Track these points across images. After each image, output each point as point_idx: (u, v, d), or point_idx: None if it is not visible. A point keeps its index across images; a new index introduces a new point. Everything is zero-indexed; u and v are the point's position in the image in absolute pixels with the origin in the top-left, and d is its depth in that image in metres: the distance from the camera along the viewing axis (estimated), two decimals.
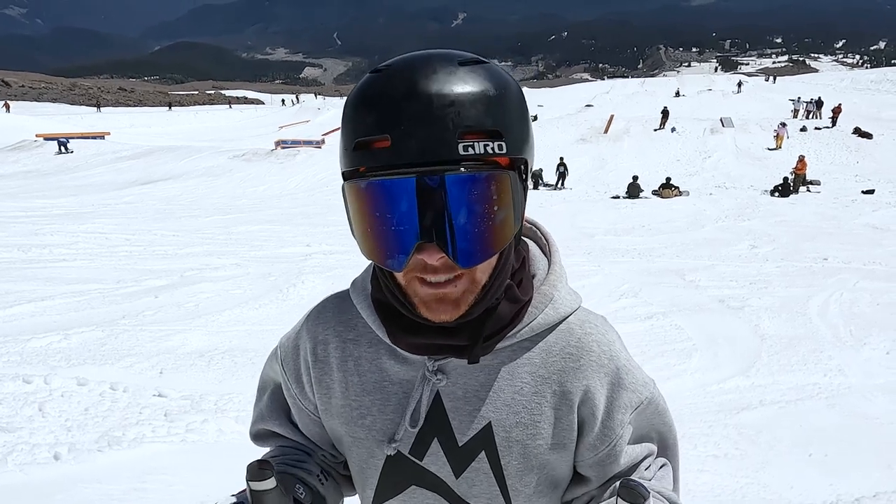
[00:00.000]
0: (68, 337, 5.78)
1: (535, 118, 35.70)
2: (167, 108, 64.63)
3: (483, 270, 0.81)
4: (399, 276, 0.81)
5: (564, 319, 0.93)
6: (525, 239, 0.97)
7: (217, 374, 5.17)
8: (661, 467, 0.99)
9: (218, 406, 4.51)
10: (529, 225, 1.00)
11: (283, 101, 78.03)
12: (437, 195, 0.73)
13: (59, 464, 3.66)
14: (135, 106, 70.97)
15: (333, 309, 1.00)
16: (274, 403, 1.06)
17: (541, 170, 23.47)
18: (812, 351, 5.92)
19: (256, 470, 0.80)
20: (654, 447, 0.99)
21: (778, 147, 25.47)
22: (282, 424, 1.05)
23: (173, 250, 10.31)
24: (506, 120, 0.76)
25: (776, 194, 19.45)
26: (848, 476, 3.77)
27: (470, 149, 0.73)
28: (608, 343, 0.94)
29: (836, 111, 29.77)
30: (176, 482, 3.50)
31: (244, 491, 0.84)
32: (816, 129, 29.40)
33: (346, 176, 0.80)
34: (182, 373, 5.18)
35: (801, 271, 9.27)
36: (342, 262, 9.55)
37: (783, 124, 26.98)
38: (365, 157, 0.76)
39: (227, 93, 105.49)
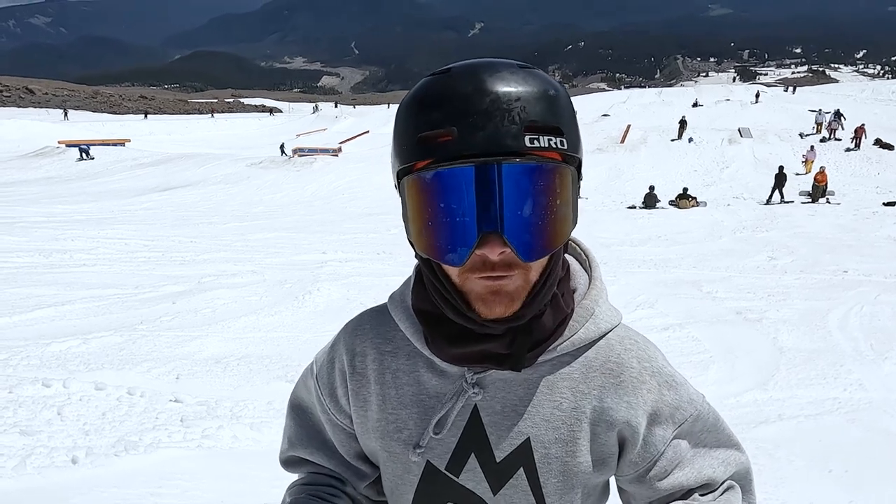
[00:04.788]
0: (87, 341, 5.85)
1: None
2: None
3: (536, 270, 0.80)
4: (455, 275, 0.80)
5: (605, 335, 0.92)
6: (565, 255, 0.95)
7: (233, 381, 5.20)
8: (725, 490, 0.96)
9: (233, 412, 4.53)
10: (570, 241, 0.97)
11: (314, 107, 78.20)
12: (504, 185, 0.73)
13: (77, 468, 3.70)
14: (155, 114, 71.67)
15: (371, 321, 0.99)
16: (304, 428, 1.04)
17: None
18: (832, 365, 5.82)
19: None
20: (714, 474, 0.95)
21: (807, 172, 24.21)
22: (313, 451, 1.03)
23: (191, 257, 10.42)
24: (565, 118, 0.78)
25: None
26: (868, 492, 3.70)
27: (536, 142, 0.74)
28: (649, 359, 0.93)
29: (860, 131, 27.78)
30: (191, 488, 3.52)
31: None
32: (837, 139, 28.90)
33: (403, 173, 0.79)
34: (198, 378, 5.21)
35: (821, 284, 9.15)
36: (358, 269, 9.59)
37: (812, 147, 26.03)
38: (429, 151, 0.75)
39: (246, 101, 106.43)
